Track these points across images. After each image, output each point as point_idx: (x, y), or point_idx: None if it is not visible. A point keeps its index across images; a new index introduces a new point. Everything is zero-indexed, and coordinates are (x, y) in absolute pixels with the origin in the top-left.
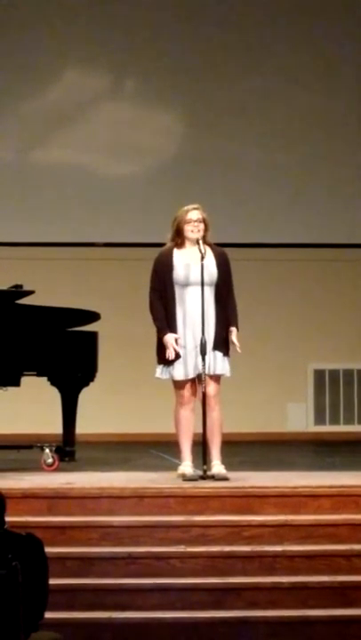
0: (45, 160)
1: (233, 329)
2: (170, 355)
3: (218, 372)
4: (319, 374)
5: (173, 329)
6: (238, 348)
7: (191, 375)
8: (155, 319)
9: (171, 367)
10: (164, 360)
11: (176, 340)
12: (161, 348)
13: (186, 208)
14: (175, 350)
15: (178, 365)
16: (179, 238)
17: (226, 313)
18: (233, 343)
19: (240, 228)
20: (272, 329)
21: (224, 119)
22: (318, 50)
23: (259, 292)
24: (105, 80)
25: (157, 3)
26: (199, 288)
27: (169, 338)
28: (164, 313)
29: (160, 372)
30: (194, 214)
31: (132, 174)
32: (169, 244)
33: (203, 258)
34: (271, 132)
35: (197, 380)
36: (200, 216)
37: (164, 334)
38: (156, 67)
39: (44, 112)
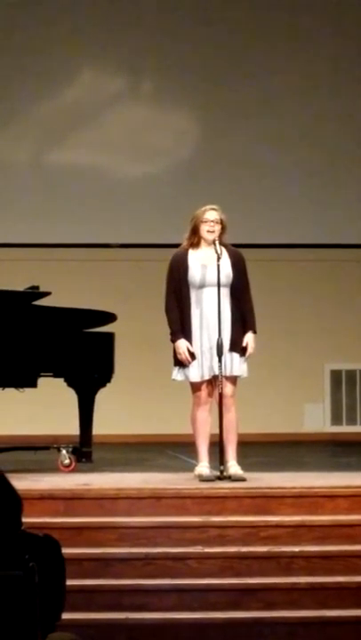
0: (61, 161)
1: (249, 334)
2: (185, 361)
3: (235, 372)
4: (336, 374)
5: (188, 331)
6: (251, 349)
7: (207, 376)
8: (169, 322)
9: (186, 369)
10: (179, 362)
11: (188, 348)
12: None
13: (204, 208)
14: (190, 353)
15: (193, 367)
16: (195, 238)
17: (242, 314)
18: (247, 346)
19: (255, 229)
20: (289, 329)
21: (239, 120)
22: (334, 51)
23: (274, 293)
24: (121, 81)
25: (173, 5)
26: (215, 289)
27: (181, 344)
28: (178, 316)
29: (176, 373)
30: (211, 214)
31: (148, 175)
32: (184, 245)
33: (219, 258)
34: (287, 133)
35: (213, 382)
36: (217, 217)
37: (177, 339)
38: (171, 68)
39: (61, 113)
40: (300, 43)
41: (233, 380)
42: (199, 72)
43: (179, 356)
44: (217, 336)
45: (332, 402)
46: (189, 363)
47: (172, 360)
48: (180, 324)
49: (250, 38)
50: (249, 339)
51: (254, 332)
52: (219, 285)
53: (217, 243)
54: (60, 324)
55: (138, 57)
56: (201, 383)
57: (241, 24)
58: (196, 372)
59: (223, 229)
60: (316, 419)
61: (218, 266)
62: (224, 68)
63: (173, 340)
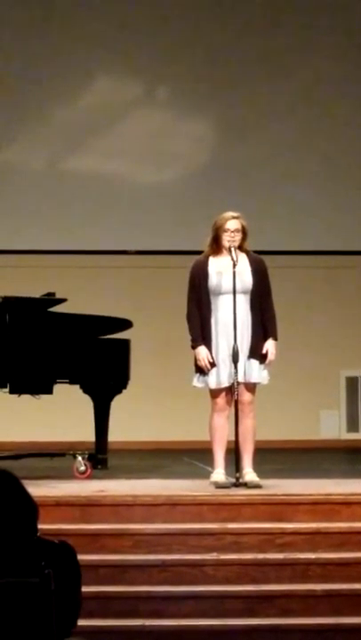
0: (77, 168)
1: (270, 341)
2: (204, 368)
3: (253, 380)
4: (351, 381)
5: (208, 338)
6: (271, 355)
7: (225, 383)
8: (190, 329)
9: (206, 376)
10: (199, 369)
11: (207, 356)
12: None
13: (225, 216)
14: (209, 361)
15: (212, 374)
16: (216, 245)
17: (263, 321)
18: (267, 353)
19: (271, 235)
20: (304, 336)
21: (256, 126)
22: (352, 56)
23: (290, 300)
24: (137, 88)
25: (190, 12)
26: (232, 296)
27: (201, 351)
28: (199, 323)
29: (196, 380)
30: (232, 224)
31: (164, 182)
32: (206, 251)
33: (235, 265)
34: (303, 138)
35: (232, 388)
36: (238, 226)
37: (197, 346)
38: (187, 74)
39: (76, 120)
40: (318, 47)
41: (252, 387)
42: (216, 79)
43: (199, 363)
44: (233, 343)
45: (348, 409)
46: (209, 370)
47: (188, 367)
48: (201, 331)
49: (267, 44)
50: (270, 345)
51: (275, 339)
52: (235, 292)
53: (233, 249)
54: (76, 331)
55: (154, 64)
56: (220, 390)
57: (258, 30)
58: (214, 379)
59: (245, 236)
60: (331, 426)
61: (234, 273)
62: (241, 75)
63: (194, 347)
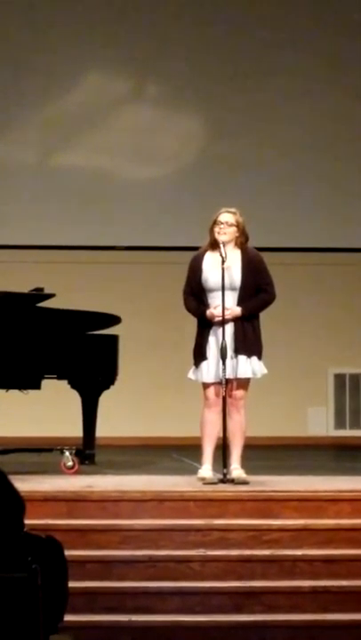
0: (66, 164)
1: (238, 309)
2: (213, 315)
3: (240, 375)
4: (340, 378)
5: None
6: (228, 314)
7: (215, 379)
8: (191, 308)
9: (199, 370)
10: (195, 362)
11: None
12: (196, 349)
13: (221, 210)
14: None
15: (204, 368)
16: (212, 239)
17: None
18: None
19: (261, 232)
20: (292, 334)
21: (246, 123)
22: (344, 54)
23: (278, 297)
24: (127, 84)
25: (179, 7)
26: (220, 293)
27: (209, 311)
28: (196, 303)
29: (191, 372)
30: (224, 217)
31: (154, 178)
32: (204, 245)
33: (223, 262)
34: (294, 135)
35: (221, 384)
36: (230, 220)
37: (203, 312)
38: (176, 71)
39: (66, 116)
40: (308, 44)
41: (242, 383)
42: (204, 75)
43: (209, 313)
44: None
45: (336, 406)
46: (218, 314)
47: (177, 363)
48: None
49: (256, 41)
50: (236, 308)
51: (244, 312)
52: (223, 289)
53: (222, 246)
54: (64, 326)
55: (143, 60)
56: (211, 384)
57: (247, 27)
58: (205, 374)
59: (241, 232)
60: (319, 423)
61: (222, 269)
62: (230, 72)
63: (201, 315)
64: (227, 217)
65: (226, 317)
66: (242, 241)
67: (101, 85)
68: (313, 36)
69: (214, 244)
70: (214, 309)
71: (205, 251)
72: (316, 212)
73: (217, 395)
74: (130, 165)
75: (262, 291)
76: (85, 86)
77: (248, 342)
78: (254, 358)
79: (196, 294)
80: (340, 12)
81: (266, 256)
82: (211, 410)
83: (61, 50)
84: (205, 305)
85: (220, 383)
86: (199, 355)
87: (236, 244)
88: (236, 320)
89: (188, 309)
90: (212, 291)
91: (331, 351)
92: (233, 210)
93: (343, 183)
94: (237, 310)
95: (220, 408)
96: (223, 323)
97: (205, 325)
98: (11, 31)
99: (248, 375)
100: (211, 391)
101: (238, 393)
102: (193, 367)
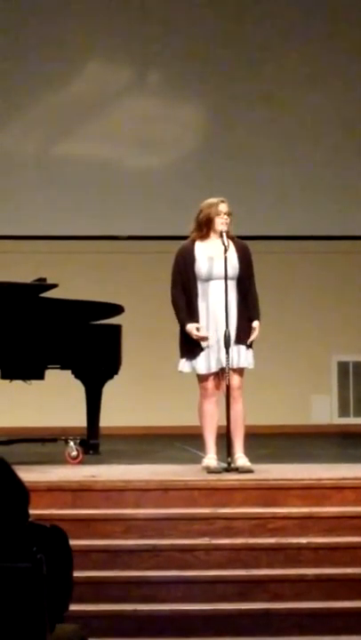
0: (68, 152)
1: (255, 323)
2: (201, 339)
3: (242, 364)
4: (343, 366)
5: (196, 320)
6: (254, 336)
7: (214, 369)
8: (177, 311)
9: (194, 361)
10: (186, 354)
11: (197, 329)
12: (184, 341)
13: (214, 200)
14: (200, 338)
15: (201, 359)
16: (204, 230)
17: (248, 305)
18: (253, 330)
19: (263, 221)
20: (296, 321)
21: (247, 112)
22: (342, 44)
23: (282, 285)
24: (128, 73)
25: None
26: (222, 281)
27: (191, 327)
28: (185, 305)
29: (182, 365)
30: (224, 207)
31: (155, 167)
32: (192, 236)
33: (226, 250)
34: (295, 124)
35: (221, 374)
36: (229, 209)
37: (186, 323)
38: (178, 60)
39: (68, 104)
40: (308, 34)
41: (240, 372)
42: (206, 64)
43: (194, 336)
44: (224, 328)
45: (340, 394)
46: (206, 341)
47: (178, 352)
48: (188, 312)
49: (257, 29)
50: (256, 325)
51: (259, 320)
52: (226, 278)
53: (225, 235)
54: (67, 317)
55: (145, 49)
56: (208, 375)
57: (249, 15)
58: (203, 365)
59: (230, 221)
60: (323, 411)
61: (225, 258)
62: (232, 60)
63: (183, 326)
64: (226, 207)
65: (253, 339)
66: (230, 230)
67: (103, 75)
68: (315, 24)
69: (205, 234)
70: (197, 331)
71: (194, 240)
72: (318, 200)
73: (215, 385)
74: (132, 154)
75: (250, 284)
76: (87, 76)
77: (247, 333)
78: (250, 349)
79: (184, 284)
80: (348, 6)
81: (268, 244)
82: (210, 400)
83: (63, 39)
84: (195, 295)
85: (217, 373)
86: (196, 345)
87: (227, 234)
88: (235, 311)
89: (175, 305)
90: (205, 280)
91: (334, 339)
92: (224, 199)
93: (345, 172)
94: (257, 326)
95: (217, 398)
96: (227, 312)
97: (196, 318)
98: (12, 21)
99: (248, 365)
100: (210, 382)
101: (238, 382)
102: (183, 360)
